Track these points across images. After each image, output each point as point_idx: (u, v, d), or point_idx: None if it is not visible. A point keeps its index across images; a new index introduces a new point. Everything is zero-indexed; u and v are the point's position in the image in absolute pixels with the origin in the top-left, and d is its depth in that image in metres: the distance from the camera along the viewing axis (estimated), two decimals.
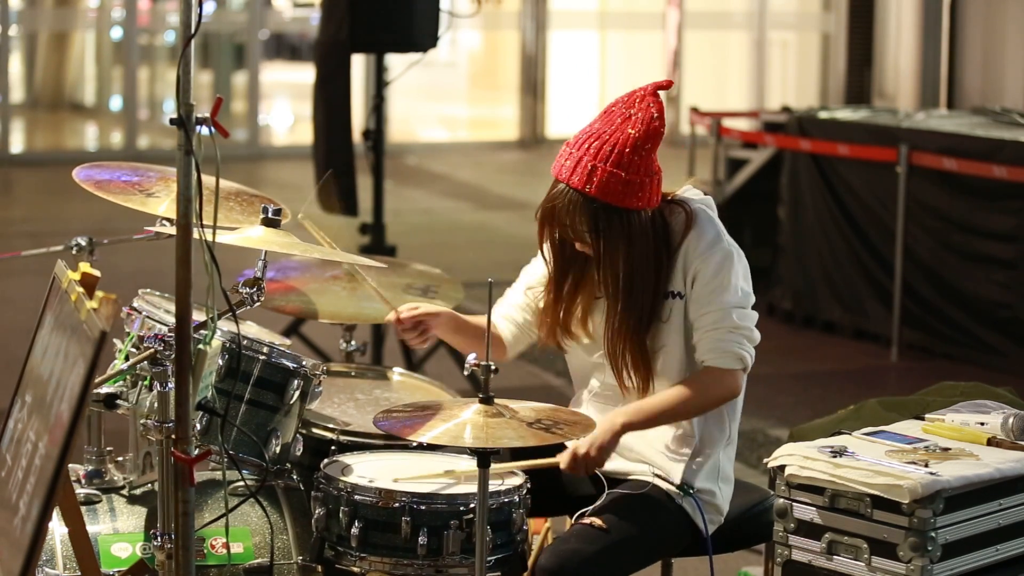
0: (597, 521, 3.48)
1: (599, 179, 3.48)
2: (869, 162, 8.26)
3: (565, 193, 3.52)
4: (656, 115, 3.51)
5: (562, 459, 3.54)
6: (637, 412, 3.54)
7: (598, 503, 3.54)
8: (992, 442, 3.57)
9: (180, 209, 3.04)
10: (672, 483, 3.58)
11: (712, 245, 3.54)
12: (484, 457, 3.25)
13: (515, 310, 3.81)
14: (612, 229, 3.51)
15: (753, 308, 3.59)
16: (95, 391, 3.56)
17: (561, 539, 3.50)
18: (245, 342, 3.62)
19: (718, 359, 3.53)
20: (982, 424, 3.66)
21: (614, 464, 3.63)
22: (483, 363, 3.37)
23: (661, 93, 3.57)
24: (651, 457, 3.61)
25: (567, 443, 3.55)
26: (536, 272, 3.79)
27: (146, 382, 3.56)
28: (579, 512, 3.55)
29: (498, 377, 3.40)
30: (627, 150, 3.48)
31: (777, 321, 8.71)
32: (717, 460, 3.64)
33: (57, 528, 3.56)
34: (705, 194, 3.69)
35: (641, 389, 3.59)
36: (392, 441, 3.80)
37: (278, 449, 3.69)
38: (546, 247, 3.66)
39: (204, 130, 3.03)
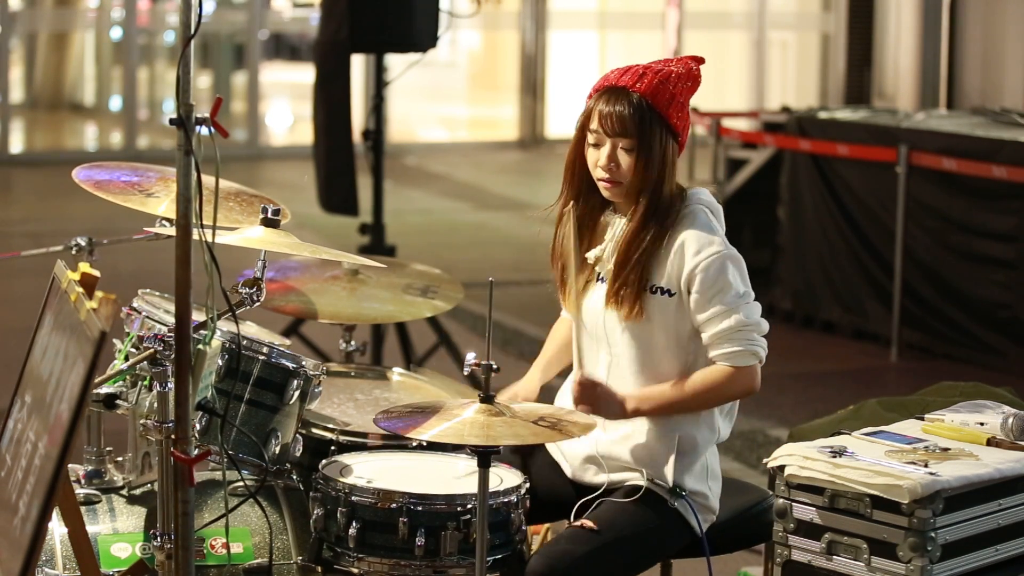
0: (588, 523, 3.48)
1: (649, 81, 3.56)
2: (869, 162, 8.26)
3: (609, 92, 3.57)
4: (695, 67, 3.62)
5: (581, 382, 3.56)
6: (648, 400, 3.55)
7: (592, 507, 3.54)
8: (992, 442, 3.57)
9: (180, 209, 3.04)
10: (665, 485, 3.57)
11: (710, 249, 3.54)
12: (485, 456, 3.25)
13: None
14: (654, 135, 3.56)
15: (772, 328, 3.61)
16: (95, 391, 3.56)
17: (552, 541, 3.51)
18: (245, 342, 3.62)
19: (733, 358, 3.54)
20: (982, 424, 3.66)
21: (606, 476, 3.63)
22: (483, 363, 3.37)
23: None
24: (640, 462, 3.60)
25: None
26: None
27: (146, 382, 3.56)
28: (576, 507, 3.55)
29: (498, 378, 3.40)
30: (672, 75, 3.59)
31: (777, 321, 8.70)
32: (705, 459, 3.64)
33: (57, 528, 3.56)
34: (718, 202, 3.69)
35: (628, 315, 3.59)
36: (392, 441, 3.80)
37: (278, 449, 3.69)
38: (573, 171, 3.67)
39: (204, 130, 3.03)
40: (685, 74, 3.60)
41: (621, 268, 3.57)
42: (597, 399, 3.53)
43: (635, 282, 3.56)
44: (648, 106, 3.55)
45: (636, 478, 3.60)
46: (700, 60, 3.65)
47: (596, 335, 3.64)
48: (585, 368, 3.63)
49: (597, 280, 3.65)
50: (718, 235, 3.58)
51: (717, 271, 3.53)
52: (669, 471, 3.58)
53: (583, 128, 3.62)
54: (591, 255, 3.65)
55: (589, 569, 3.42)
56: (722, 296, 3.52)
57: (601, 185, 3.61)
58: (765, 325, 3.58)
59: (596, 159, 3.60)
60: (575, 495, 3.64)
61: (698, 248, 3.54)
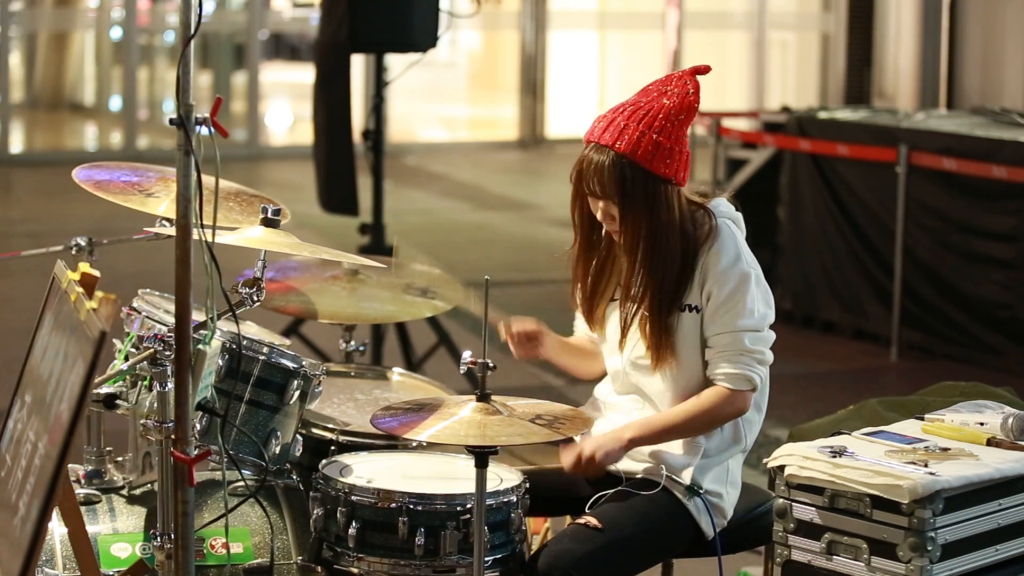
0: (592, 521, 3.48)
1: (629, 137, 3.50)
2: (869, 162, 8.26)
3: (594, 150, 3.54)
4: (692, 91, 3.55)
5: (565, 459, 3.54)
6: (646, 428, 3.57)
7: (603, 500, 3.54)
8: (992, 442, 3.57)
9: (180, 209, 3.04)
10: (682, 482, 3.58)
11: (731, 266, 3.54)
12: (482, 456, 3.25)
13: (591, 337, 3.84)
14: (637, 192, 3.51)
15: (772, 327, 3.61)
16: (95, 391, 3.56)
17: (555, 539, 3.50)
18: (245, 342, 3.62)
19: (729, 381, 3.55)
20: (982, 424, 3.66)
21: (624, 464, 3.63)
22: (480, 360, 3.37)
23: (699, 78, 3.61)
24: (661, 456, 3.61)
25: (574, 439, 3.55)
26: None
27: (146, 382, 3.56)
28: (591, 501, 3.55)
29: (497, 377, 3.40)
30: (660, 115, 3.52)
31: (777, 321, 8.66)
32: (727, 464, 3.64)
33: (57, 528, 3.55)
34: (737, 210, 3.68)
35: (655, 365, 3.58)
36: (392, 441, 3.80)
37: (278, 449, 3.69)
38: (576, 216, 3.67)
39: (204, 130, 3.03)
40: (677, 107, 3.54)
41: (641, 301, 3.58)
42: (593, 460, 3.53)
43: (658, 314, 3.56)
44: (628, 164, 3.50)
45: (652, 471, 3.60)
46: (702, 71, 3.59)
47: (624, 362, 3.65)
48: (613, 397, 3.67)
49: (629, 302, 3.64)
50: (744, 252, 3.58)
51: (734, 288, 3.53)
52: (689, 469, 3.59)
53: (579, 179, 3.59)
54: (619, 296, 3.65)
55: (591, 568, 3.41)
56: (734, 315, 3.53)
57: (609, 231, 3.62)
58: (770, 356, 3.59)
59: (595, 210, 3.60)
60: (588, 487, 3.63)
61: (724, 265, 3.54)
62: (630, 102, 3.57)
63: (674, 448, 3.61)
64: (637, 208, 3.52)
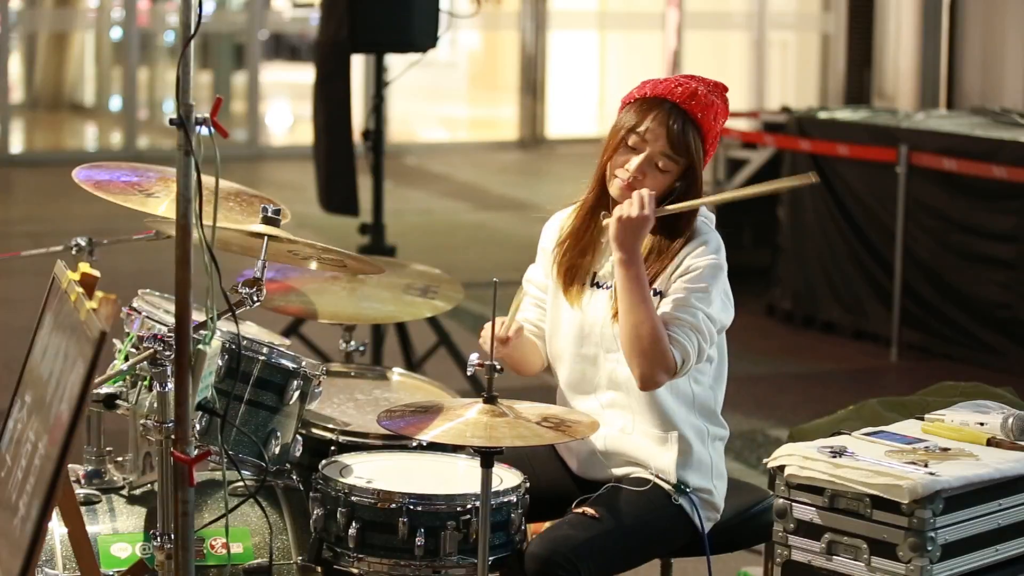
0: (590, 510, 3.49)
1: (711, 118, 3.60)
2: (869, 162, 8.26)
3: (678, 110, 3.57)
4: (725, 90, 3.67)
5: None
6: (639, 276, 3.51)
7: (596, 494, 3.55)
8: (992, 442, 3.57)
9: (180, 209, 3.04)
10: (669, 481, 3.58)
11: (708, 252, 3.56)
12: (488, 457, 3.25)
13: (536, 327, 3.82)
14: (697, 151, 3.59)
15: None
16: (95, 391, 3.56)
17: (554, 526, 3.51)
18: (245, 342, 3.62)
19: (672, 342, 3.49)
20: (982, 424, 3.66)
21: (611, 471, 3.63)
22: (487, 363, 3.37)
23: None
24: (644, 458, 3.61)
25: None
26: (538, 279, 3.79)
27: (146, 382, 3.56)
28: (576, 501, 3.56)
29: (500, 379, 3.39)
30: (719, 109, 3.62)
31: (777, 321, 8.71)
32: (708, 457, 3.64)
33: (57, 528, 3.56)
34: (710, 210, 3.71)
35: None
36: (391, 441, 3.80)
37: (278, 449, 3.69)
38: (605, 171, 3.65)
39: (204, 130, 3.03)
40: (723, 110, 3.63)
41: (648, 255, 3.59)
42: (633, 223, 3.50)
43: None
44: (697, 128, 3.58)
45: (641, 472, 3.60)
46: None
47: (594, 341, 3.65)
48: (577, 375, 3.67)
49: (592, 285, 3.66)
50: (721, 253, 3.60)
51: (708, 275, 3.54)
52: (672, 468, 3.59)
53: (630, 129, 3.59)
54: (603, 270, 3.65)
55: (589, 555, 3.42)
56: (697, 297, 3.51)
57: (616, 183, 3.60)
58: (707, 350, 3.53)
59: (625, 161, 3.59)
60: (580, 491, 3.64)
61: (699, 250, 3.57)
62: (694, 77, 3.65)
63: (654, 451, 3.60)
64: (693, 183, 3.58)
